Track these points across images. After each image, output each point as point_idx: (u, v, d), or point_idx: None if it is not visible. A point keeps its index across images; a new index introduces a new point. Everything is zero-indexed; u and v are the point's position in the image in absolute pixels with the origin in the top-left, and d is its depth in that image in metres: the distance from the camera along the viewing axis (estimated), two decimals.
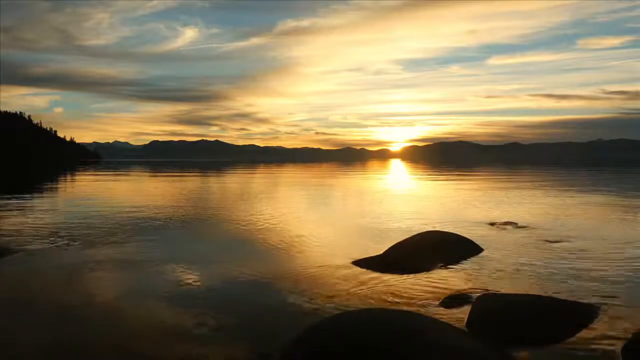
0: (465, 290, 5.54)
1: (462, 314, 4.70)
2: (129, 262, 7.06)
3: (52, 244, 8.46)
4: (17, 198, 17.49)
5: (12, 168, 60.30)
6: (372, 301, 5.18)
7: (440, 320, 4.23)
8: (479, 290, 5.43)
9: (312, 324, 3.77)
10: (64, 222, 11.18)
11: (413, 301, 5.16)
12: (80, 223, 10.96)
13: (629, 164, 78.21)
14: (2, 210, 13.33)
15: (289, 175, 43.06)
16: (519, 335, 4.15)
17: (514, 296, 4.99)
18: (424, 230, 8.96)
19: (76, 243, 8.51)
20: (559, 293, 5.29)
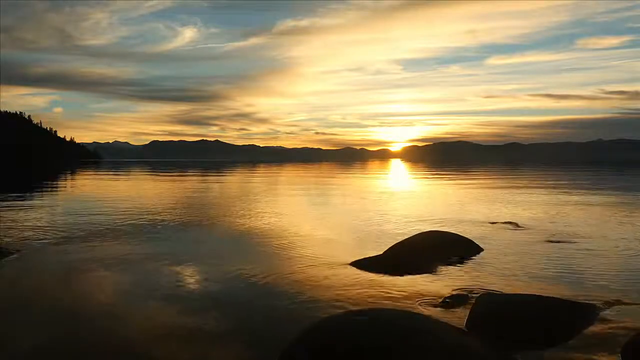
0: (465, 290, 5.53)
1: (462, 314, 4.69)
2: (129, 262, 7.05)
3: (52, 243, 8.45)
4: (17, 198, 17.49)
5: (12, 168, 60.28)
6: (372, 301, 5.17)
7: (440, 320, 4.22)
8: (479, 290, 5.42)
9: (312, 324, 3.76)
10: (64, 221, 11.17)
11: (413, 301, 5.15)
12: (81, 223, 10.96)
13: (629, 164, 78.20)
14: (3, 210, 13.33)
15: (289, 175, 43.05)
16: (519, 335, 4.14)
17: (514, 296, 4.98)
18: (424, 230, 8.95)
19: (76, 242, 8.50)
20: (559, 293, 5.28)
